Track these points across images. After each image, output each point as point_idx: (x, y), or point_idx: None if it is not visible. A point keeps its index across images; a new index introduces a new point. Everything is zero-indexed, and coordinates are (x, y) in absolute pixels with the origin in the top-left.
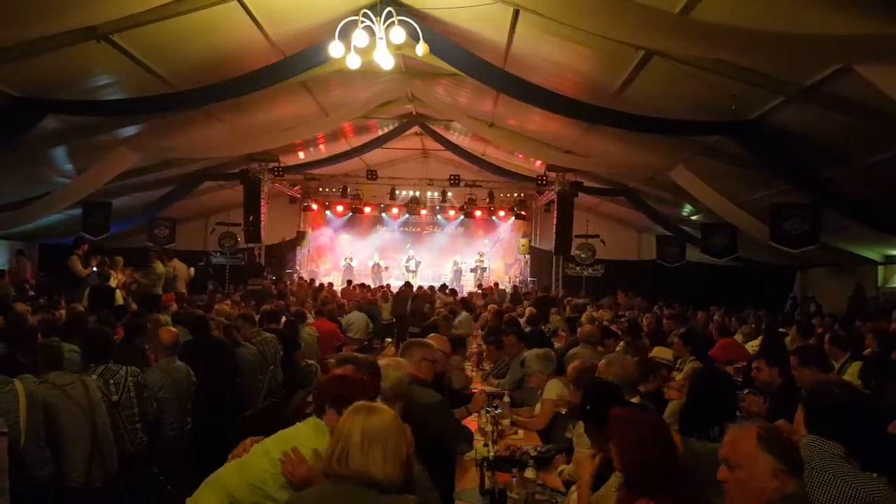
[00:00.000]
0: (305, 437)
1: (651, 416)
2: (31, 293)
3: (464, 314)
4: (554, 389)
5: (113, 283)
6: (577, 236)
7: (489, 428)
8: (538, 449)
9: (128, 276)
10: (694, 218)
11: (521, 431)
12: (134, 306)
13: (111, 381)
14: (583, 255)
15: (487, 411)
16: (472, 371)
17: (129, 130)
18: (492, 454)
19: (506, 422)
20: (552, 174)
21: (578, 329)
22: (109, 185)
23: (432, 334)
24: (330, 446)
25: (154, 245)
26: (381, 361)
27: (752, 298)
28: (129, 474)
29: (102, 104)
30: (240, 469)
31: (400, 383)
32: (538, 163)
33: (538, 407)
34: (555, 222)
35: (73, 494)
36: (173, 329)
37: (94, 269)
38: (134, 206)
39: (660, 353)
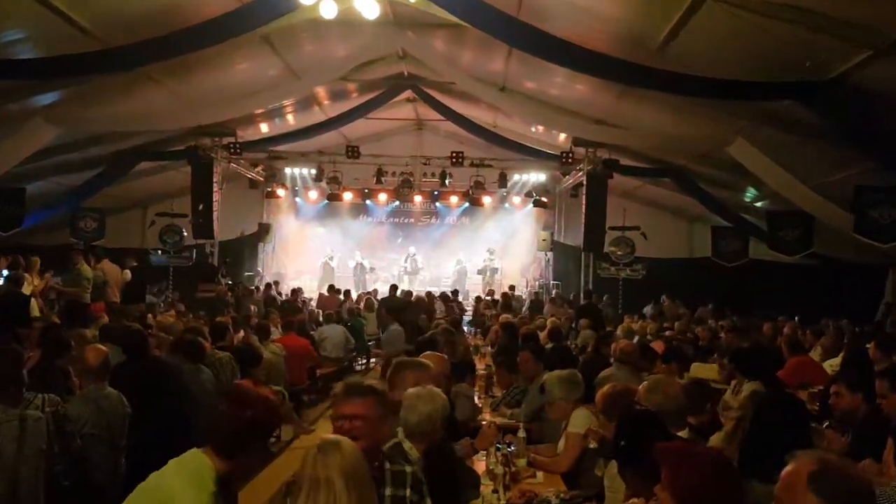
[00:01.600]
0: (178, 494)
1: (712, 452)
2: None
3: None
4: (581, 421)
5: (27, 289)
6: (611, 228)
7: (500, 470)
8: (561, 496)
9: (46, 281)
10: (758, 205)
11: (539, 474)
12: (54, 318)
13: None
14: (619, 253)
15: (498, 449)
16: (480, 398)
17: (47, 98)
18: (503, 503)
19: (521, 462)
20: (580, 150)
21: (613, 345)
22: (23, 167)
23: (429, 353)
24: (303, 499)
25: (79, 242)
26: (411, 390)
27: (831, 306)
28: None
29: (12, 65)
30: None
31: (430, 419)
32: (562, 136)
33: (562, 443)
34: (584, 211)
35: None
36: (102, 347)
37: (4, 272)
38: (54, 194)
39: (701, 371)
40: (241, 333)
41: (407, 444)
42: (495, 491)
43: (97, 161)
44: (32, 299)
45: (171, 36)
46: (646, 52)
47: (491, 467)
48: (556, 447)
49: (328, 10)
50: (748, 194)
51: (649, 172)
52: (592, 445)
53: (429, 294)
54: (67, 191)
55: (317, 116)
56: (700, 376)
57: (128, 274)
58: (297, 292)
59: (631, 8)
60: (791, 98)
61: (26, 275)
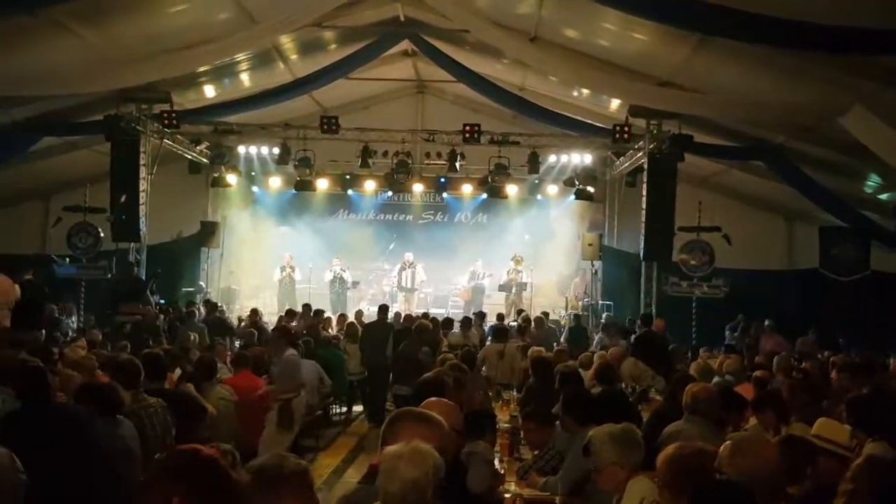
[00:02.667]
0: None
1: None
2: None
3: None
4: (641, 492)
5: None
6: (681, 229)
7: None
8: None
9: None
10: (883, 197)
11: None
12: None
13: None
14: (693, 263)
15: None
16: (502, 462)
17: None
18: None
19: None
20: (639, 122)
21: (687, 390)
22: None
23: (433, 399)
24: None
25: None
26: (391, 448)
27: None
28: None
29: None
30: None
31: (417, 487)
32: (615, 103)
33: None
34: (644, 205)
35: None
36: None
37: None
38: None
39: (825, 430)
40: (177, 372)
41: None
42: None
43: None
44: None
45: None
46: None
47: None
48: None
49: None
50: (869, 183)
51: (734, 153)
52: None
53: (433, 319)
54: None
55: (281, 76)
56: (821, 435)
57: (17, 290)
58: (254, 314)
59: None
60: None
61: None
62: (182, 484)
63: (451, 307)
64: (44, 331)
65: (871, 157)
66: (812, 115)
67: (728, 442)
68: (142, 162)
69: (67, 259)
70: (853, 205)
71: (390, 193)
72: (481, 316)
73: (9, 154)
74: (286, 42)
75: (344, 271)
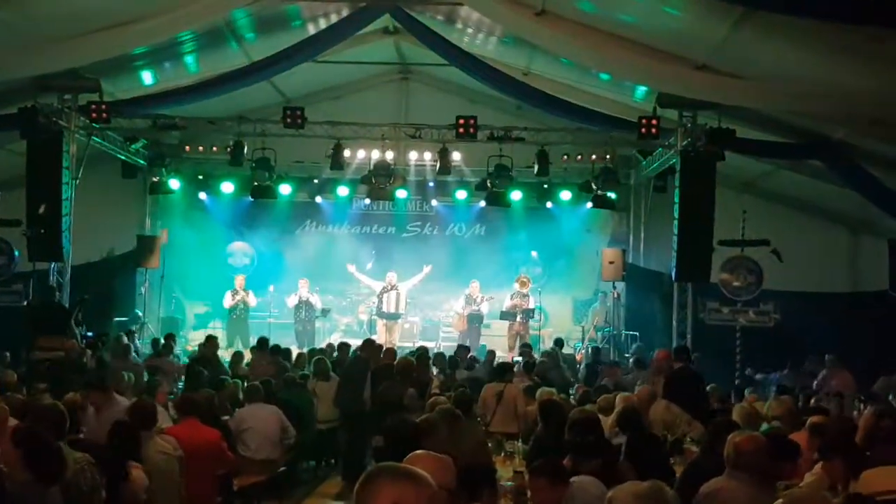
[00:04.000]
0: None
1: None
2: None
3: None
4: None
5: None
6: (721, 243)
7: None
8: None
9: None
10: None
11: None
12: None
13: None
14: (736, 284)
15: None
16: None
17: None
18: None
19: None
20: (670, 114)
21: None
22: None
23: (420, 452)
24: None
25: None
26: None
27: None
28: None
29: None
30: None
31: None
32: (641, 90)
33: None
34: (676, 215)
35: None
36: None
37: None
38: None
39: (886, 479)
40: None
41: None
42: None
43: None
44: None
45: None
46: None
47: None
48: None
49: None
50: None
51: (785, 150)
52: None
53: (422, 353)
54: None
55: (234, 59)
56: (882, 489)
57: None
58: (211, 344)
59: None
60: None
61: None
62: None
63: (443, 339)
64: None
65: None
66: (881, 105)
67: (780, 500)
68: (65, 164)
69: None
70: None
71: (368, 201)
72: (466, 350)
73: None
74: (241, 18)
75: (311, 295)
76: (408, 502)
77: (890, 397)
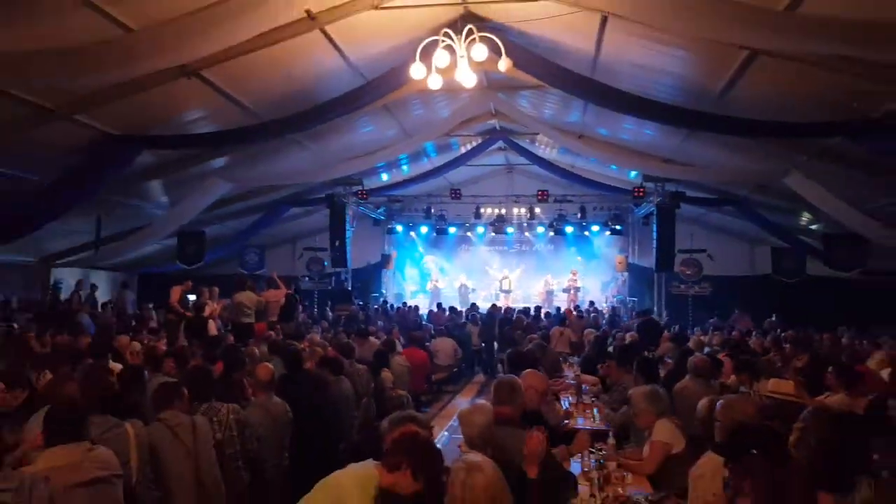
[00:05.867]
0: (348, 492)
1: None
2: (134, 323)
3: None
4: (664, 431)
5: (207, 311)
6: (680, 251)
7: (594, 474)
8: (650, 497)
9: (221, 307)
10: (814, 227)
11: (629, 475)
12: (230, 338)
13: (214, 420)
14: (688, 272)
15: (591, 453)
16: (572, 403)
17: (220, 161)
18: (599, 501)
19: (612, 465)
20: (650, 185)
21: (689, 359)
22: (203, 215)
23: (530, 371)
24: None
25: (244, 272)
26: (464, 409)
27: (888, 316)
28: None
29: (194, 138)
30: None
31: (487, 428)
32: (633, 173)
33: (646, 449)
34: (655, 237)
35: None
36: (270, 366)
37: (191, 298)
38: (226, 235)
39: (780, 387)
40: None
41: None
42: (593, 495)
43: (258, 208)
44: (210, 321)
45: (311, 110)
46: (708, 100)
47: (587, 470)
48: (642, 451)
49: (434, 83)
50: (804, 218)
51: (713, 202)
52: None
53: (524, 311)
54: (236, 232)
55: (426, 166)
56: (778, 392)
57: (282, 298)
58: (414, 310)
59: (692, 65)
60: (841, 135)
61: (208, 302)
62: (407, 457)
63: (532, 302)
64: (295, 322)
65: (805, 203)
66: (765, 178)
67: (721, 402)
68: (347, 220)
69: (307, 278)
70: (794, 233)
71: (494, 235)
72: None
73: (273, 219)
74: (430, 145)
75: (467, 282)
76: (535, 380)
77: (770, 333)
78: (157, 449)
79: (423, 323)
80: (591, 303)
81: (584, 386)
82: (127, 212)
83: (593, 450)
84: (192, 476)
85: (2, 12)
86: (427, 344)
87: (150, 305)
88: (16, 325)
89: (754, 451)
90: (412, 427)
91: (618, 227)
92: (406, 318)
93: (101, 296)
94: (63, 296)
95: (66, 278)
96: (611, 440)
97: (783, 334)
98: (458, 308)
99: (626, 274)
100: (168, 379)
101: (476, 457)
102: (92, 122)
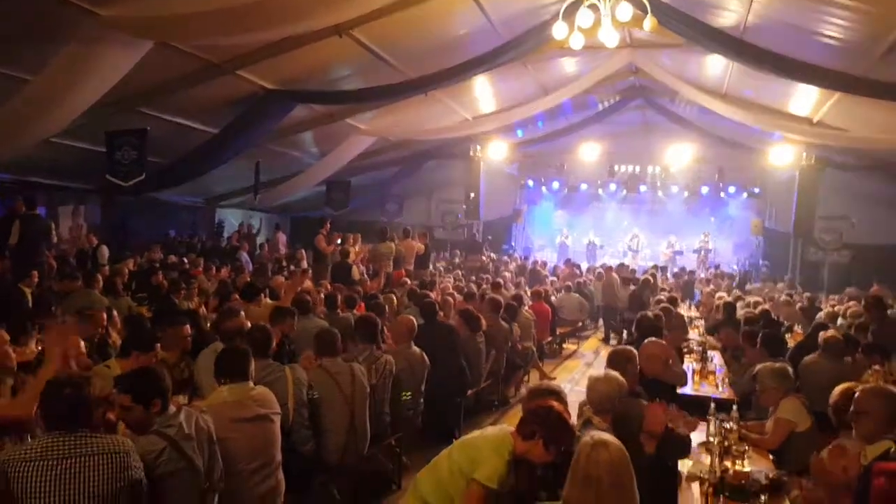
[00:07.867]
0: (485, 454)
1: None
2: (285, 264)
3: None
4: (790, 410)
5: (350, 257)
6: (820, 217)
7: (716, 441)
8: (770, 476)
9: (364, 252)
10: None
11: (750, 450)
12: (368, 285)
13: (373, 367)
14: (827, 239)
15: (719, 420)
16: (698, 368)
17: (366, 116)
18: (718, 473)
19: (733, 436)
20: (793, 147)
21: (821, 335)
22: (349, 165)
23: (651, 340)
24: (578, 490)
25: (385, 221)
26: (592, 374)
27: None
28: (374, 449)
29: (343, 94)
30: (431, 468)
31: (609, 398)
32: (777, 134)
33: (769, 424)
34: (795, 201)
35: (328, 468)
36: (411, 318)
37: (337, 243)
38: (368, 185)
39: None
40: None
41: (596, 419)
42: (712, 469)
43: (399, 161)
44: (353, 266)
45: (454, 67)
46: (866, 62)
47: (710, 437)
48: (764, 425)
49: (576, 43)
50: None
51: (861, 168)
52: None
53: (653, 273)
54: (377, 182)
55: (561, 123)
56: None
57: (421, 247)
58: (542, 265)
59: (853, 25)
60: None
61: (352, 248)
62: (541, 427)
63: (660, 262)
64: (429, 270)
65: None
66: None
67: (860, 388)
68: (481, 175)
69: (441, 228)
70: None
71: (626, 193)
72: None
73: (412, 171)
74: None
75: (595, 238)
76: (656, 348)
77: None
78: (316, 393)
79: (550, 278)
80: (717, 266)
81: (709, 352)
82: (282, 160)
83: (718, 418)
84: (346, 422)
85: None
86: (553, 299)
87: (300, 246)
88: (185, 261)
89: None
90: (550, 400)
91: (755, 190)
92: (535, 273)
93: (259, 237)
94: (226, 234)
95: (228, 217)
96: (734, 412)
97: None
98: (586, 264)
99: (760, 238)
100: (321, 322)
101: (604, 435)
102: (252, 77)
